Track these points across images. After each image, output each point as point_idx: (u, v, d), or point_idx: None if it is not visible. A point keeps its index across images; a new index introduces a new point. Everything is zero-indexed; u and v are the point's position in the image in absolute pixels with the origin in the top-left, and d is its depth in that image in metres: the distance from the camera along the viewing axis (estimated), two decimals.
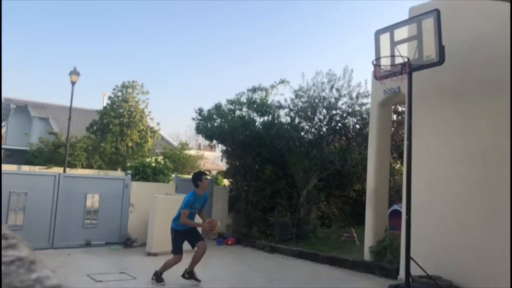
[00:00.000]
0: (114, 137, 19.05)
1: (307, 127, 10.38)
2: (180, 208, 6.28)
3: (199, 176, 6.45)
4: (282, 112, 10.89)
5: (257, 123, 10.92)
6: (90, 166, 17.63)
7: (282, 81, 11.12)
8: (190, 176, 16.51)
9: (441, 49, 5.37)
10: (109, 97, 21.04)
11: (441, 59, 5.39)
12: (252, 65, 64.09)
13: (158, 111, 35.90)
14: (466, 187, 5.94)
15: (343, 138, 10.67)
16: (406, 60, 5.63)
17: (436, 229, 6.16)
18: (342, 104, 9.95)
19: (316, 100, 9.93)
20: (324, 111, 10.01)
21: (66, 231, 8.56)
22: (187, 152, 20.52)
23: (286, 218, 10.28)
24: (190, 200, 6.18)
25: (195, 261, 6.27)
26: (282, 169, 10.63)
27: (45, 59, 54.41)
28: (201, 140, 25.20)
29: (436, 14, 5.44)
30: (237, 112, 10.93)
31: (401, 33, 5.87)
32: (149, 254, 8.13)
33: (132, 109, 19.97)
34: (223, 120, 10.84)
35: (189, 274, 6.29)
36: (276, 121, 10.78)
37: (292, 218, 10.16)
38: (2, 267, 0.50)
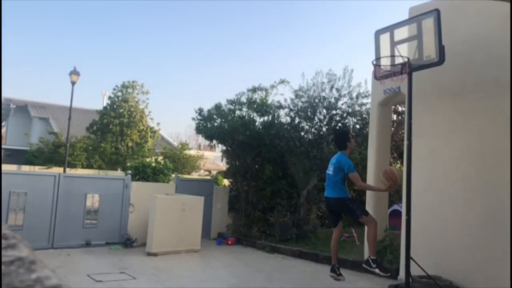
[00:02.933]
0: (114, 137, 19.06)
1: (307, 127, 10.37)
2: (333, 176, 5.36)
3: (347, 135, 5.63)
4: (282, 112, 10.89)
5: (257, 123, 10.92)
6: (90, 166, 17.63)
7: (282, 81, 11.12)
8: (190, 176, 16.56)
9: (441, 49, 5.37)
10: (109, 97, 21.05)
11: (441, 59, 5.39)
12: (253, 65, 64.11)
13: (158, 111, 35.93)
14: (466, 187, 5.94)
15: None
16: (406, 60, 5.63)
17: (436, 229, 6.16)
18: (342, 104, 9.96)
19: (316, 100, 9.93)
20: (324, 111, 10.01)
21: (66, 231, 8.56)
22: (187, 152, 20.55)
23: (286, 218, 10.27)
24: (349, 161, 5.40)
25: (372, 242, 5.36)
26: (282, 169, 10.63)
27: (45, 59, 54.46)
28: (201, 140, 25.21)
29: (436, 14, 5.44)
30: (237, 112, 10.93)
31: (401, 33, 5.86)
32: (149, 254, 8.14)
33: (132, 109, 19.98)
34: (223, 120, 10.84)
35: (378, 263, 5.41)
36: (276, 121, 10.78)
37: (292, 218, 10.15)
38: (2, 267, 0.50)
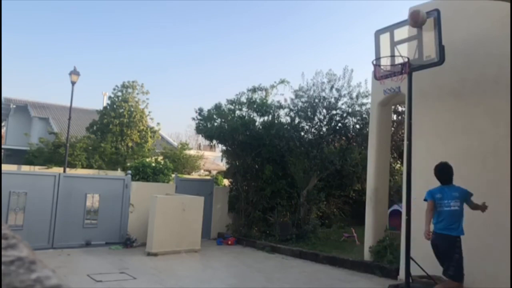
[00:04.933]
0: (114, 137, 19.04)
1: (307, 127, 10.38)
2: (460, 209, 4.87)
3: (452, 169, 5.08)
4: (282, 112, 10.91)
5: (257, 123, 10.92)
6: (90, 166, 17.61)
7: (282, 81, 11.13)
8: (190, 176, 16.54)
9: (441, 49, 5.37)
10: (109, 97, 21.02)
11: (441, 59, 5.39)
12: (253, 64, 64.15)
13: (158, 111, 35.90)
14: (466, 187, 5.93)
15: (343, 138, 10.67)
16: (406, 60, 5.63)
17: None
18: (342, 104, 9.96)
19: (316, 100, 9.93)
20: (324, 111, 10.01)
21: (66, 231, 8.56)
22: (187, 152, 20.52)
23: (286, 218, 10.28)
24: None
25: None
26: (282, 169, 10.63)
27: (45, 59, 54.47)
28: (201, 140, 25.17)
29: (436, 14, 5.45)
30: (237, 112, 10.94)
31: (401, 33, 5.87)
32: (149, 254, 8.14)
33: (132, 109, 19.96)
34: (223, 120, 10.84)
35: None
36: (276, 121, 10.79)
37: (292, 218, 10.15)
38: (2, 267, 0.50)
